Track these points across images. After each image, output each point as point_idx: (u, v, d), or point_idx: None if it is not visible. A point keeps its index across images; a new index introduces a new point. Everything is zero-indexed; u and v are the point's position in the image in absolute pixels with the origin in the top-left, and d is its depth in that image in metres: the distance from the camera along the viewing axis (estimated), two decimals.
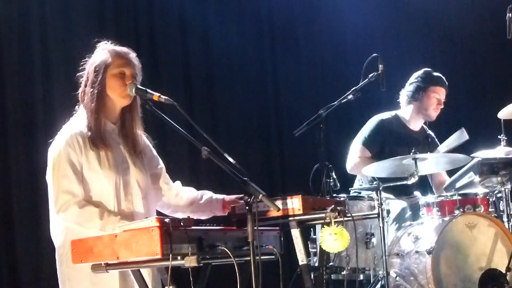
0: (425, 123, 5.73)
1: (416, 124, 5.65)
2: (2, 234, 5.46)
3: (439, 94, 5.55)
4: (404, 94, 5.61)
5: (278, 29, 7.09)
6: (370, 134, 5.52)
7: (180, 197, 3.86)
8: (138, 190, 3.65)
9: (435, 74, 5.60)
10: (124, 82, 3.56)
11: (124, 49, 3.66)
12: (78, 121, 3.58)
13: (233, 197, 3.78)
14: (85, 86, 3.60)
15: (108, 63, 3.57)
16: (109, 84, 3.56)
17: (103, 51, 3.62)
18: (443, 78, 5.61)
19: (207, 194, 3.85)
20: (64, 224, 3.49)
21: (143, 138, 3.76)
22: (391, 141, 5.49)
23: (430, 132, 5.75)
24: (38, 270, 5.41)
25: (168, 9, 6.48)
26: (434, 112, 5.56)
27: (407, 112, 5.62)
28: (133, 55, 3.65)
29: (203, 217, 3.84)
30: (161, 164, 3.87)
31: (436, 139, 5.72)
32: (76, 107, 3.66)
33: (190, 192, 3.87)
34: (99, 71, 3.56)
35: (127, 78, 3.56)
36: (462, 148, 5.32)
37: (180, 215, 3.80)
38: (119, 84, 3.56)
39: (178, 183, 3.92)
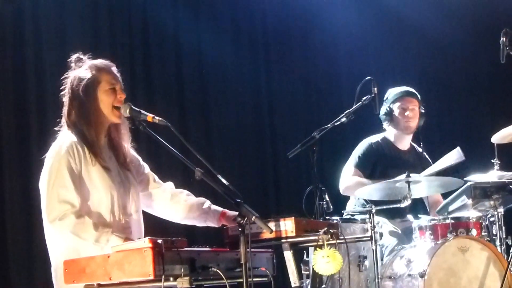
0: (417, 141, 5.78)
1: (403, 143, 5.72)
2: None
3: (403, 104, 5.62)
4: (381, 119, 5.71)
5: (273, 50, 7.14)
6: (361, 156, 5.59)
7: (177, 200, 3.87)
8: (132, 201, 3.70)
9: (397, 89, 5.69)
10: (116, 96, 3.63)
11: (105, 62, 3.72)
12: (71, 135, 3.60)
13: (233, 213, 3.75)
14: (73, 105, 3.64)
15: (97, 80, 3.63)
16: (101, 100, 3.63)
17: (85, 67, 3.67)
18: (407, 89, 5.68)
19: (206, 203, 3.86)
20: (63, 240, 3.49)
21: (129, 149, 3.82)
22: (382, 163, 5.55)
23: (420, 150, 5.79)
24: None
25: (163, 30, 6.53)
26: (405, 123, 5.61)
27: (391, 133, 5.70)
28: (114, 67, 3.73)
29: (197, 225, 3.86)
30: (148, 169, 3.90)
31: (429, 158, 5.76)
32: (64, 125, 3.68)
33: (188, 197, 3.88)
34: (89, 89, 3.61)
35: (118, 93, 3.64)
36: (455, 172, 5.34)
37: (174, 219, 3.86)
38: (111, 99, 3.63)
39: (170, 184, 3.93)
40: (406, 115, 5.60)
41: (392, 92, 5.68)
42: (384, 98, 5.66)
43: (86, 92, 3.61)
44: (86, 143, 3.58)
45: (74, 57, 3.72)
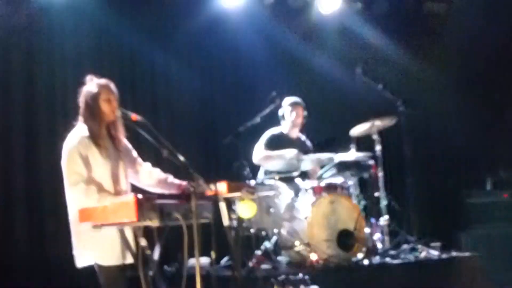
0: (301, 132, 5.82)
1: (293, 134, 5.76)
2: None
3: (292, 109, 5.65)
4: (280, 118, 5.76)
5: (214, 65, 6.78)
6: (268, 141, 5.60)
7: (152, 176, 3.86)
8: (123, 173, 3.77)
9: (290, 99, 5.67)
10: (112, 105, 3.71)
11: (106, 81, 3.76)
12: (82, 129, 3.70)
13: (184, 183, 3.80)
14: (84, 107, 3.72)
15: (99, 93, 3.70)
16: (102, 106, 3.71)
17: (94, 84, 3.73)
18: (296, 99, 5.68)
19: (170, 177, 3.89)
20: (77, 200, 3.52)
21: (124, 140, 3.87)
22: (280, 146, 5.55)
23: (304, 138, 5.85)
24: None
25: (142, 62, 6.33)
26: (293, 121, 5.65)
27: (285, 127, 5.76)
28: (112, 85, 3.77)
29: (165, 192, 3.85)
30: (136, 154, 3.93)
31: (309, 142, 5.82)
32: (80, 119, 3.74)
33: (159, 173, 3.90)
34: (93, 98, 3.70)
35: (112, 103, 3.72)
36: (328, 152, 5.42)
37: (149, 189, 3.86)
38: (108, 106, 3.71)
39: (148, 164, 3.93)
40: (293, 116, 5.69)
41: (286, 101, 5.71)
42: (282, 104, 5.66)
43: (92, 100, 3.70)
44: (91, 134, 3.66)
45: (88, 77, 3.77)
